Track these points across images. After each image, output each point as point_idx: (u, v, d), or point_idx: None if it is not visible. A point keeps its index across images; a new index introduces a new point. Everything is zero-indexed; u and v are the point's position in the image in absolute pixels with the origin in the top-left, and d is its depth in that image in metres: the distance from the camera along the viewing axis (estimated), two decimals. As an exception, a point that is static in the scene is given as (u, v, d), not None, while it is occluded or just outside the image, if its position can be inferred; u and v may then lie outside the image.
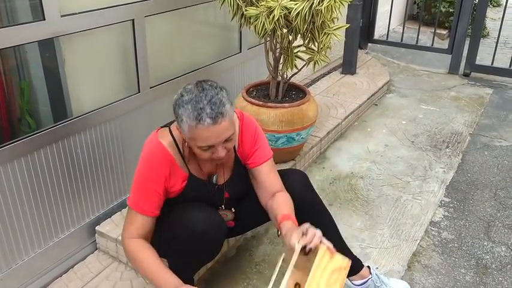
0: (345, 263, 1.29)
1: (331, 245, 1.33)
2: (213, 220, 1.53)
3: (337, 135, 3.24)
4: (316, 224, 1.70)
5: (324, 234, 1.72)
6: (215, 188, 1.66)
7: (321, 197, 1.78)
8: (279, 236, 1.53)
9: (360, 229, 2.33)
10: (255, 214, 1.74)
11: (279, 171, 1.73)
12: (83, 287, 1.91)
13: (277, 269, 1.45)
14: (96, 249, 2.12)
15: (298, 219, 1.68)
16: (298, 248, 1.28)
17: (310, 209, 1.71)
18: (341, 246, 1.81)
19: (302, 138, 2.53)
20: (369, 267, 1.86)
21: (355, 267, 1.83)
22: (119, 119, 2.09)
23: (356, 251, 2.16)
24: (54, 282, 1.94)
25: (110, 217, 2.14)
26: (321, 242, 1.33)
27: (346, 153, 3.06)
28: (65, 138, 1.88)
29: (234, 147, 1.63)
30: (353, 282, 1.84)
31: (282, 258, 1.46)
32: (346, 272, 1.29)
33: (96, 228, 2.08)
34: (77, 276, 1.97)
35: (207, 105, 1.35)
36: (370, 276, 1.84)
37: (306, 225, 1.38)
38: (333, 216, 1.81)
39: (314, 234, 1.33)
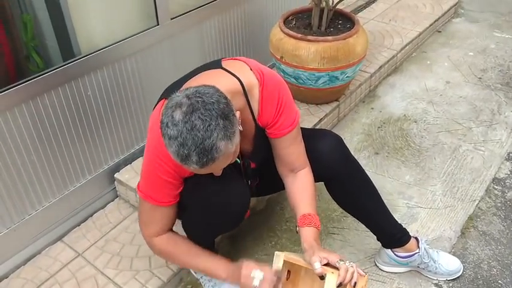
0: (364, 281, 1.28)
1: (362, 273, 1.26)
2: (233, 191, 1.34)
3: (391, 70, 2.85)
4: (355, 195, 1.54)
5: (365, 205, 1.54)
6: (240, 165, 1.46)
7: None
8: (297, 232, 1.38)
9: (408, 184, 2.05)
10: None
11: (308, 130, 1.47)
12: (101, 238, 1.82)
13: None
14: (117, 196, 2.00)
15: (335, 191, 1.56)
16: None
17: (348, 180, 1.49)
18: (384, 218, 1.58)
19: (347, 77, 2.19)
20: (417, 239, 1.62)
21: (400, 239, 1.59)
22: (135, 56, 1.86)
23: (402, 210, 1.91)
24: (73, 232, 1.85)
25: (131, 163, 1.99)
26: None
27: (400, 91, 2.69)
28: (78, 78, 1.69)
29: (253, 115, 1.34)
30: (396, 253, 1.61)
31: (281, 260, 1.31)
32: (367, 286, 1.30)
33: (115, 175, 1.94)
34: (95, 226, 1.87)
35: (194, 152, 1.05)
36: (417, 251, 1.59)
37: (336, 258, 1.26)
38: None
39: (347, 271, 1.22)
